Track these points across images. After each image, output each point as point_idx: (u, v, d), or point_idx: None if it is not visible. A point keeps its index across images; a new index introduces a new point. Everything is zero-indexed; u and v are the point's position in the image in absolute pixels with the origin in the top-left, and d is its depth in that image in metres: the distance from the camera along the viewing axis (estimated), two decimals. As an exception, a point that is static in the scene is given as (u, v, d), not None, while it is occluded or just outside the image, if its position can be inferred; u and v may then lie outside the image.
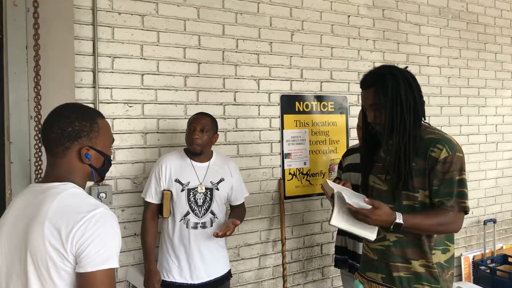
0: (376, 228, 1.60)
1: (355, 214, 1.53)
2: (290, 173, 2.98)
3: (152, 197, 2.19)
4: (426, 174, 1.60)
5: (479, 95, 3.90)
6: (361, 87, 1.74)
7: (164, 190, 2.18)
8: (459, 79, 3.77)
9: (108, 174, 2.39)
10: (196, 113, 2.29)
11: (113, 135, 2.37)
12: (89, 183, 2.28)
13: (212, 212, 2.22)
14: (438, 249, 1.64)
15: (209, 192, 2.21)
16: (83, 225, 1.08)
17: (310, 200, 3.07)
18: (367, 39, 3.29)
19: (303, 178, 3.03)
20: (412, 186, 1.61)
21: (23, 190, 1.27)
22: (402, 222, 1.53)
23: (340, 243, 2.50)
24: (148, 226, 2.19)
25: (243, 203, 2.44)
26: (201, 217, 2.19)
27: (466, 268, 3.82)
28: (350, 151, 2.54)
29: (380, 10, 3.34)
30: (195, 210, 2.18)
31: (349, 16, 3.20)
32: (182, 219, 2.17)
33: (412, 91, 1.63)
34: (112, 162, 1.34)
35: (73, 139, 1.19)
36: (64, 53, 2.22)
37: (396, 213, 1.54)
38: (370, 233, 1.58)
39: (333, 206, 1.59)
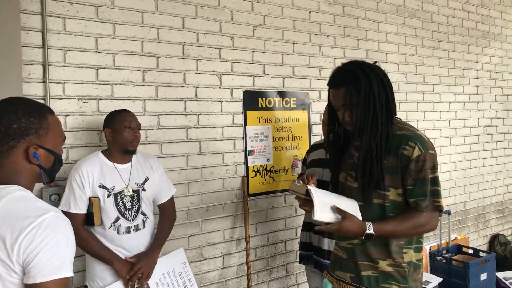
0: (359, 212, 1.58)
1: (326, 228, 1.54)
2: (253, 170, 2.94)
3: (78, 207, 1.97)
4: (398, 172, 1.54)
5: (433, 92, 4.03)
6: (330, 86, 1.66)
7: (90, 197, 2.00)
8: (415, 75, 3.88)
9: (61, 175, 2.24)
10: (121, 110, 2.14)
11: (66, 133, 2.24)
12: (40, 185, 2.13)
13: (142, 213, 2.11)
14: (410, 248, 1.60)
15: (135, 194, 2.09)
16: (31, 232, 0.98)
17: (273, 196, 3.04)
18: (328, 36, 3.30)
19: (267, 174, 3.00)
20: (383, 185, 1.56)
21: None
22: (373, 233, 1.51)
23: (305, 239, 2.49)
24: (85, 234, 1.98)
25: (170, 200, 2.29)
26: (132, 220, 2.07)
27: (423, 259, 3.95)
28: (314, 147, 2.53)
29: (340, 6, 3.36)
30: (125, 214, 2.05)
31: (310, 12, 3.20)
32: (111, 225, 2.02)
33: (384, 88, 1.57)
34: (64, 162, 1.23)
35: (19, 137, 1.08)
36: (9, 44, 2.05)
37: (366, 223, 1.53)
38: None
39: (311, 202, 1.53)
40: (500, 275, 3.96)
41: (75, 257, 2.16)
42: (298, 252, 2.59)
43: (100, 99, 2.36)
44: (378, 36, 3.60)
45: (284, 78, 3.08)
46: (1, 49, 2.02)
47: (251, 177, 2.92)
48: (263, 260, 3.02)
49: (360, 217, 1.57)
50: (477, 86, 4.42)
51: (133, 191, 2.08)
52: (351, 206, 1.59)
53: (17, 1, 2.09)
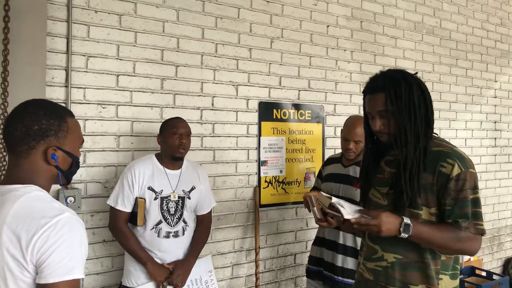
0: None
1: (361, 227, 1.43)
2: (266, 181, 2.95)
3: (124, 205, 2.06)
4: (434, 190, 1.43)
5: (450, 109, 4.01)
6: (366, 91, 1.56)
7: (137, 197, 2.07)
8: (432, 92, 3.80)
9: (77, 178, 2.29)
10: (174, 117, 2.23)
11: (85, 137, 2.30)
12: (57, 186, 2.17)
13: (184, 221, 2.16)
14: (446, 274, 1.47)
15: (181, 201, 2.14)
16: (46, 232, 0.99)
17: (285, 208, 3.04)
18: (345, 50, 3.32)
19: (279, 186, 3.00)
20: (418, 204, 1.45)
21: None
22: (411, 223, 1.39)
23: (316, 253, 2.47)
24: (127, 231, 2.07)
25: (209, 214, 2.32)
26: (173, 226, 2.12)
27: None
28: (330, 161, 2.52)
29: (358, 21, 3.39)
30: (168, 219, 2.10)
31: (328, 26, 3.23)
32: (153, 227, 2.08)
33: (425, 99, 1.47)
34: (81, 165, 1.26)
35: (39, 138, 1.10)
36: (35, 49, 2.12)
37: (403, 217, 1.41)
38: None
39: (337, 212, 1.47)
40: (514, 299, 3.86)
41: (120, 254, 2.20)
42: (306, 265, 2.57)
43: (119, 105, 2.41)
44: (395, 52, 3.61)
45: (300, 90, 3.10)
46: (27, 54, 2.08)
47: (263, 188, 2.93)
48: (272, 272, 3.01)
49: None
50: (495, 106, 4.38)
51: (178, 197, 2.13)
52: None
53: (45, 8, 2.17)
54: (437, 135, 1.56)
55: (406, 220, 1.39)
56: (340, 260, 2.31)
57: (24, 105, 1.15)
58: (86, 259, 2.30)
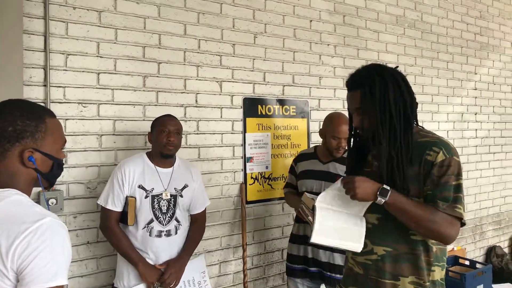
0: (363, 238, 1.47)
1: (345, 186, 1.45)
2: (252, 177, 2.93)
3: (114, 205, 2.03)
4: (420, 180, 1.44)
5: (432, 102, 4.05)
6: (347, 88, 1.59)
7: (127, 196, 2.04)
8: (414, 86, 3.89)
9: (59, 179, 2.23)
10: (165, 115, 2.19)
11: (66, 137, 2.23)
12: (37, 188, 2.12)
13: (176, 219, 2.13)
14: (438, 266, 1.49)
15: (173, 199, 2.11)
16: (27, 237, 0.96)
17: (271, 204, 3.04)
18: (328, 44, 3.32)
19: (265, 182, 3.00)
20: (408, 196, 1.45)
21: None
22: (389, 189, 1.40)
23: (298, 251, 2.43)
24: (118, 231, 2.03)
25: (203, 213, 2.30)
26: (165, 224, 2.09)
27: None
28: (303, 156, 2.51)
29: (341, 16, 3.39)
30: (160, 217, 2.07)
31: (311, 20, 3.22)
32: (145, 227, 2.05)
33: (402, 94, 1.48)
34: (64, 166, 1.21)
35: (14, 140, 1.06)
36: (11, 47, 2.05)
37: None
38: (356, 244, 1.46)
39: (312, 221, 1.47)
40: (496, 287, 3.95)
41: (105, 256, 2.16)
42: (286, 264, 2.52)
43: (101, 104, 2.36)
44: (378, 46, 3.62)
45: (284, 86, 3.09)
46: (3, 52, 2.02)
47: (250, 184, 2.92)
48: (259, 268, 3.01)
49: (362, 244, 1.49)
50: (475, 97, 4.45)
51: (170, 195, 2.10)
52: (356, 230, 1.49)
53: (21, 5, 2.10)
54: (421, 127, 1.56)
55: (385, 185, 1.41)
56: (327, 256, 2.32)
57: (0, 106, 1.10)
58: (70, 262, 2.27)
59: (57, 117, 1.19)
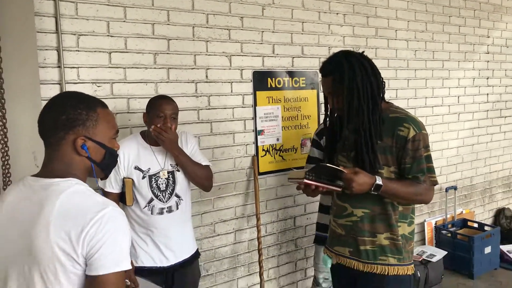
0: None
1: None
2: (263, 150, 3.00)
3: (112, 187, 2.08)
4: (393, 151, 1.69)
5: (443, 68, 4.02)
6: (320, 74, 1.83)
7: (124, 178, 2.09)
8: (425, 52, 3.86)
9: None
10: (160, 97, 2.16)
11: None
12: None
13: (176, 195, 2.16)
14: (404, 222, 1.76)
15: (171, 176, 2.15)
16: (94, 226, 1.02)
17: (283, 175, 3.12)
18: (337, 13, 3.28)
19: (276, 154, 3.06)
20: (378, 166, 1.69)
21: (16, 183, 1.16)
22: (382, 184, 1.64)
23: (325, 220, 2.51)
24: None
25: (208, 167, 2.24)
26: (166, 201, 2.13)
27: (429, 233, 4.05)
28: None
29: (350, -17, 3.33)
30: (159, 195, 2.12)
31: (319, -11, 3.17)
32: (146, 205, 2.10)
33: (369, 77, 1.69)
34: (118, 156, 1.25)
35: (67, 129, 1.10)
36: (24, 30, 2.08)
37: (376, 176, 1.65)
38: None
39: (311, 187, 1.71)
40: (505, 248, 4.06)
41: None
42: (315, 233, 2.65)
43: (114, 83, 2.41)
44: (388, 12, 3.57)
45: (294, 57, 3.09)
46: (17, 35, 2.05)
47: (261, 156, 2.99)
48: (273, 235, 3.13)
49: None
50: (487, 61, 4.38)
51: (168, 173, 2.14)
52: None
53: (30, -13, 2.12)
54: (391, 103, 1.82)
55: (378, 181, 1.64)
56: None
57: (54, 98, 1.17)
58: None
59: (108, 108, 1.21)
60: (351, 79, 1.68)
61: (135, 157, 2.10)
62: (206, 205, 2.80)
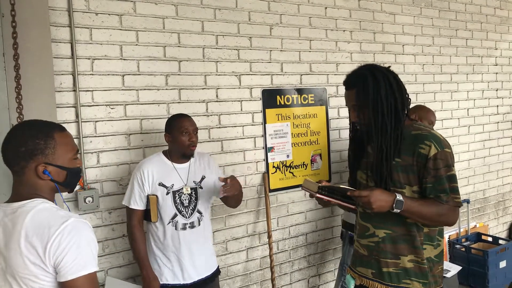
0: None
1: (356, 199, 1.61)
2: (273, 166, 3.03)
3: (137, 204, 2.16)
4: (414, 170, 1.62)
5: (451, 81, 4.03)
6: (344, 86, 1.78)
7: (149, 195, 2.16)
8: (432, 66, 3.88)
9: (93, 178, 2.38)
10: (179, 115, 2.26)
11: (96, 138, 2.38)
12: (76, 188, 2.26)
13: (198, 211, 2.25)
14: (430, 244, 1.68)
15: (193, 192, 2.24)
16: (57, 238, 1.13)
17: (294, 191, 3.14)
18: (344, 30, 3.33)
19: (287, 170, 3.09)
20: (390, 184, 1.63)
21: None
22: (403, 200, 1.56)
23: (351, 220, 2.54)
24: (138, 234, 2.17)
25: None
26: (188, 217, 2.21)
27: (443, 256, 4.00)
28: None
29: (355, 0, 3.38)
30: (182, 211, 2.20)
31: (326, 7, 3.23)
32: (170, 221, 2.18)
33: (393, 92, 1.64)
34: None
35: (28, 158, 1.21)
36: (42, 57, 2.16)
37: (395, 193, 1.58)
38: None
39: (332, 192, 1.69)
40: (520, 262, 3.98)
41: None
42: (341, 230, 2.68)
43: (127, 104, 2.47)
44: (394, 28, 3.61)
45: (302, 75, 3.14)
46: (34, 61, 2.12)
47: (272, 173, 3.02)
48: (285, 252, 3.13)
49: None
50: (496, 73, 4.39)
51: (191, 189, 2.22)
52: None
53: (47, 15, 2.20)
54: (415, 121, 1.79)
55: (399, 197, 1.57)
56: None
57: (13, 129, 1.27)
58: (108, 254, 2.43)
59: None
60: (375, 92, 1.63)
61: (159, 174, 2.17)
62: (218, 223, 2.82)
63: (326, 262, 3.34)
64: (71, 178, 1.30)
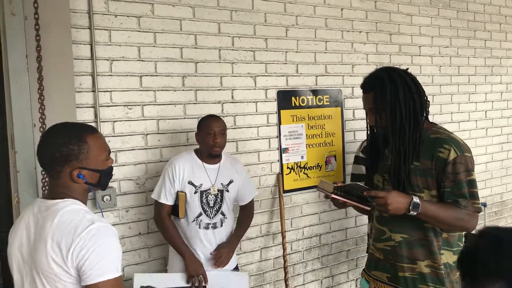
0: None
1: (373, 200, 1.59)
2: (288, 167, 3.04)
3: (166, 198, 2.22)
4: (433, 174, 1.59)
5: (469, 83, 3.98)
6: (361, 90, 1.77)
7: (178, 191, 2.22)
8: (450, 67, 3.84)
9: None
10: (209, 115, 2.34)
11: (114, 137, 2.43)
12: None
13: (222, 213, 2.30)
14: (449, 250, 1.65)
15: (220, 194, 2.28)
16: (81, 241, 1.16)
17: (308, 192, 3.14)
18: (360, 32, 3.32)
19: (301, 171, 3.10)
20: (408, 187, 1.61)
21: (31, 203, 1.33)
22: (419, 202, 1.53)
23: None
24: (169, 223, 2.23)
25: (251, 203, 2.50)
26: (212, 218, 2.26)
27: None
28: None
29: (372, 1, 3.37)
30: (207, 211, 2.25)
31: (342, 9, 3.23)
32: (194, 220, 2.24)
33: (412, 95, 1.63)
34: (113, 165, 1.39)
35: (63, 163, 1.24)
36: (63, 58, 2.22)
37: (412, 195, 1.55)
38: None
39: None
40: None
41: (156, 246, 2.42)
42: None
43: (144, 105, 2.52)
44: (411, 29, 3.58)
45: (317, 76, 3.14)
46: (56, 62, 2.18)
47: (286, 174, 3.03)
48: (298, 253, 3.14)
49: None
50: (516, 75, 4.31)
51: (218, 190, 2.28)
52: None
53: (68, 17, 2.25)
54: (434, 123, 1.72)
55: (416, 199, 1.54)
56: None
57: (47, 134, 1.31)
58: (125, 251, 2.47)
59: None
60: (393, 95, 1.61)
61: (189, 172, 2.23)
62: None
63: (339, 263, 3.34)
64: (104, 179, 1.34)
